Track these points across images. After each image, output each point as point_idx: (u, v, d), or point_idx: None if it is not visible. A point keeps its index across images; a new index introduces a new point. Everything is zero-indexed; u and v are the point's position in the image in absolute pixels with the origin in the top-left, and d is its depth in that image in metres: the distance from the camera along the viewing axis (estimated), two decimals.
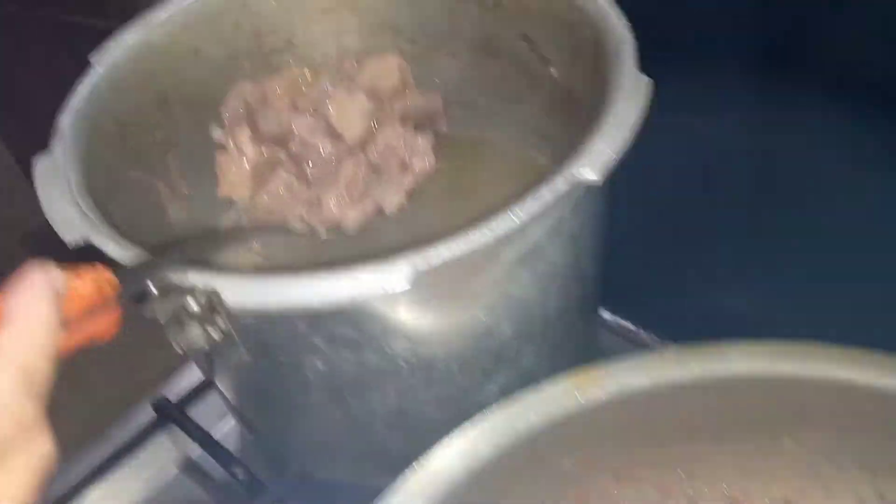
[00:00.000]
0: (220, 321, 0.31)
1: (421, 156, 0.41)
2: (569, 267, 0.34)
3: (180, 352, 0.32)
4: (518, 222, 0.27)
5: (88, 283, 0.24)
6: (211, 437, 0.49)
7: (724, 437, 0.36)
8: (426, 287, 0.29)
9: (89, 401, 0.54)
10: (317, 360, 0.32)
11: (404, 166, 0.41)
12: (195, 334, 0.31)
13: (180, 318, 0.30)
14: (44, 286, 0.23)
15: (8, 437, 0.20)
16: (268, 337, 0.31)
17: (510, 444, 0.33)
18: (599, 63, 0.34)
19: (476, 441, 0.32)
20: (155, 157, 0.41)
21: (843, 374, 0.33)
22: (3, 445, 0.20)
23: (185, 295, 0.29)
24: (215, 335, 0.31)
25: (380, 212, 0.40)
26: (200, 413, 0.52)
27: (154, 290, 0.29)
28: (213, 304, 0.30)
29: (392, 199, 0.39)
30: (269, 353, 0.32)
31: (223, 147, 0.42)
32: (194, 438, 0.49)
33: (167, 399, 0.51)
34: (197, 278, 0.27)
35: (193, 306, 0.29)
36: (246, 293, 0.27)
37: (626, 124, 0.30)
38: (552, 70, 0.40)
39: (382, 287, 0.26)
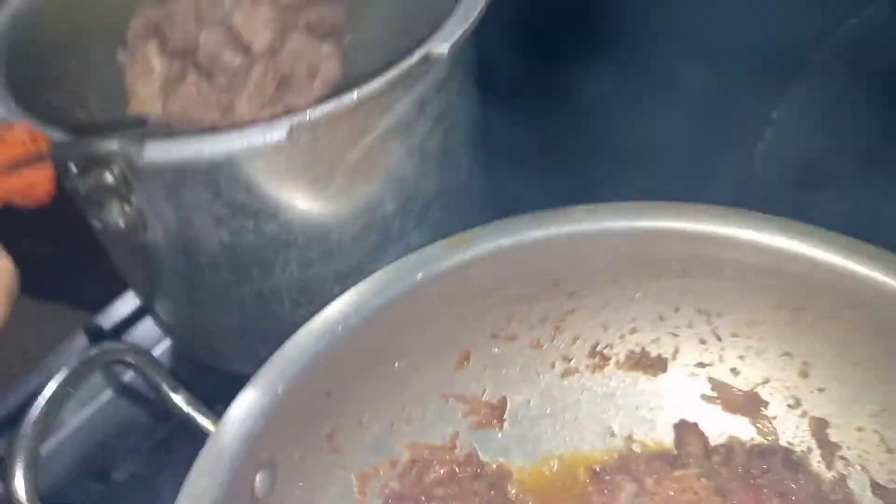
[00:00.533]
0: (134, 195, 0.35)
1: (328, 62, 0.43)
2: (438, 149, 0.40)
3: (99, 229, 0.37)
4: (380, 87, 0.33)
5: (20, 131, 0.28)
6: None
7: (584, 291, 0.42)
8: (309, 150, 0.34)
9: (25, 333, 0.57)
10: (221, 230, 0.37)
11: (313, 73, 0.43)
12: (112, 210, 0.35)
13: (99, 194, 0.35)
14: None
15: None
16: (175, 208, 0.36)
17: (395, 297, 0.38)
18: None
19: (366, 294, 0.38)
20: (74, 85, 0.45)
21: (681, 225, 0.40)
22: None
23: (101, 168, 0.34)
24: (128, 210, 0.35)
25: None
26: (134, 340, 0.57)
27: (74, 168, 0.34)
28: (126, 176, 0.34)
29: (302, 105, 0.42)
30: (179, 227, 0.37)
31: (131, 65, 0.45)
32: None
33: (101, 327, 0.55)
34: (112, 143, 0.32)
35: (109, 178, 0.34)
36: (154, 150, 0.32)
37: (473, 11, 0.36)
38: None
39: (265, 138, 0.31)
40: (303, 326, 0.36)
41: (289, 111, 0.43)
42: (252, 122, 0.32)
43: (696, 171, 0.44)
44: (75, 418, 0.52)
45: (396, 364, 0.41)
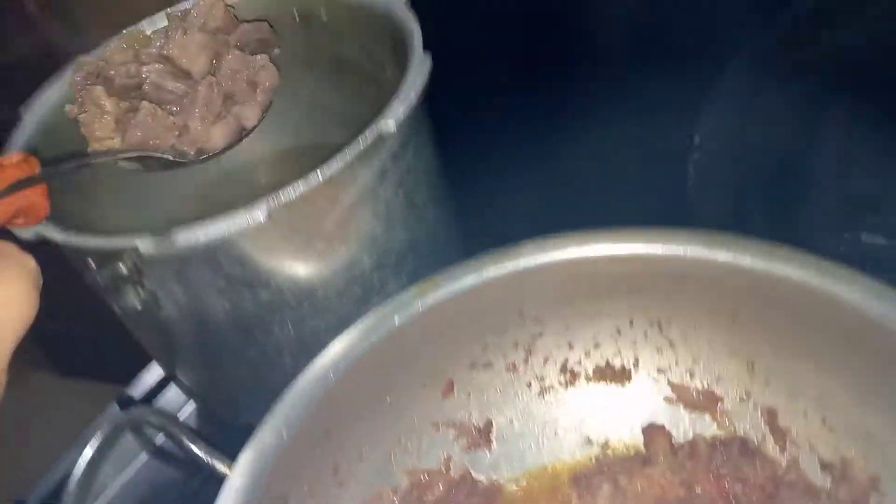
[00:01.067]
0: (146, 281, 0.41)
1: (265, 71, 0.47)
2: (403, 208, 0.45)
3: (120, 312, 0.43)
4: (341, 165, 0.39)
5: (15, 157, 0.32)
6: (176, 418, 0.60)
7: (546, 316, 0.47)
8: (287, 225, 0.40)
9: (62, 412, 0.64)
10: (224, 301, 0.43)
11: (253, 84, 0.47)
12: (129, 295, 0.41)
13: (115, 283, 0.41)
14: None
15: None
16: (182, 287, 0.42)
17: (377, 341, 0.43)
18: (403, 54, 0.46)
19: (351, 342, 0.43)
20: (87, 189, 0.51)
21: (616, 249, 0.45)
22: None
23: (115, 260, 0.40)
24: (143, 293, 0.41)
25: (242, 130, 0.46)
26: (162, 405, 0.62)
27: (93, 264, 0.40)
28: (137, 266, 0.40)
29: (250, 114, 0.46)
30: (188, 303, 0.43)
31: (82, 112, 0.46)
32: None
33: (131, 397, 0.61)
34: (121, 241, 0.38)
35: (123, 269, 0.40)
36: (154, 243, 0.38)
37: (415, 90, 0.42)
38: (388, 72, 0.52)
39: (247, 220, 0.37)
40: (299, 376, 0.41)
41: (238, 122, 0.47)
42: (230, 212, 0.38)
43: (636, 195, 0.49)
44: (116, 482, 0.58)
45: (388, 399, 0.46)
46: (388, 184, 0.43)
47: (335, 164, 0.39)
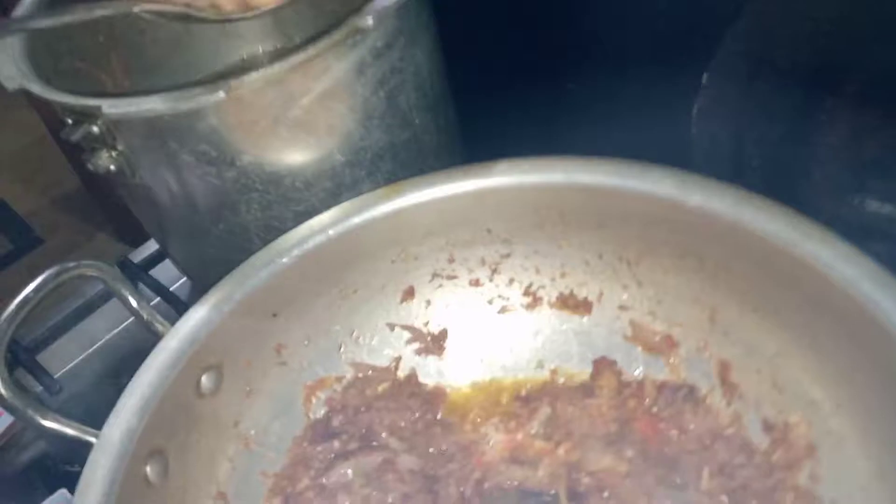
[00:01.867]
0: (119, 145, 0.43)
1: None
2: (383, 108, 0.45)
3: (93, 170, 0.44)
4: (308, 55, 0.39)
5: None
6: (165, 288, 0.62)
7: (515, 238, 0.47)
8: (252, 107, 0.41)
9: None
10: (192, 176, 0.43)
11: None
12: (102, 156, 0.43)
13: (89, 143, 0.42)
14: None
15: None
16: (151, 156, 0.43)
17: (334, 236, 0.44)
18: None
19: (307, 233, 0.44)
20: (99, 54, 0.53)
21: (588, 179, 0.44)
22: None
23: (89, 120, 0.41)
24: (115, 156, 0.43)
25: None
26: (158, 274, 0.65)
27: (69, 120, 0.42)
28: (109, 129, 0.42)
29: None
30: (160, 173, 0.44)
31: None
32: (151, 289, 0.62)
33: (131, 261, 0.64)
34: (88, 101, 0.39)
35: (96, 129, 0.41)
36: (117, 106, 0.39)
37: None
38: None
39: (208, 96, 0.38)
40: (250, 258, 0.43)
41: None
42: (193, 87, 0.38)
43: (639, 135, 0.47)
44: (105, 337, 0.61)
45: (343, 293, 0.47)
46: (367, 81, 0.43)
47: (302, 53, 0.39)
